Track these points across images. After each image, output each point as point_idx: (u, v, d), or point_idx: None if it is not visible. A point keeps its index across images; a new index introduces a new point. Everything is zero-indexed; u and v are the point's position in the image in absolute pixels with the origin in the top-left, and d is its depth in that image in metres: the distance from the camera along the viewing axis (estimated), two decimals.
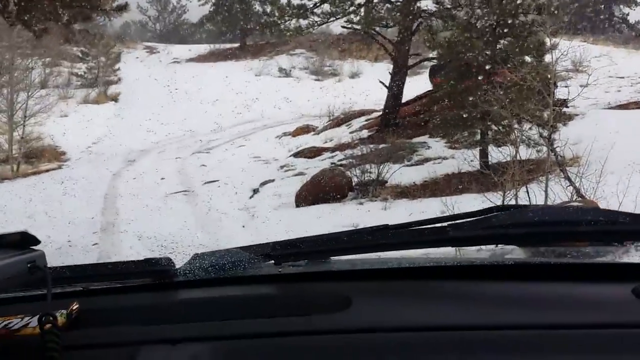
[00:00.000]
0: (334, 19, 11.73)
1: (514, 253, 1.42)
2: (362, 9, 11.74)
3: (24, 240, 1.05)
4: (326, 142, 14.42)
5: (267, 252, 1.28)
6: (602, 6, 41.23)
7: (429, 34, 8.47)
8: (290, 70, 28.49)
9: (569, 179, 7.06)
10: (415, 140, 11.97)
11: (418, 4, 11.17)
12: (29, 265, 1.01)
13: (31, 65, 20.33)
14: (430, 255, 1.38)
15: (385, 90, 13.73)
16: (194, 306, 1.16)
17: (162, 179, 13.14)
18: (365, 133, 13.74)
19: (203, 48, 35.30)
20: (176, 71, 29.69)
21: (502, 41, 9.08)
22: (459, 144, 10.78)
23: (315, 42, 31.96)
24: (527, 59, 9.40)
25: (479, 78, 9.37)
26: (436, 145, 11.60)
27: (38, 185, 12.34)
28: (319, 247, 1.29)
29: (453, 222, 1.20)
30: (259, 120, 21.27)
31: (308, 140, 15.52)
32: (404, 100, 13.57)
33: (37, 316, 1.00)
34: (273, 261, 1.26)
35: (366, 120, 15.43)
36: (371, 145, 11.54)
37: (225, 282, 1.26)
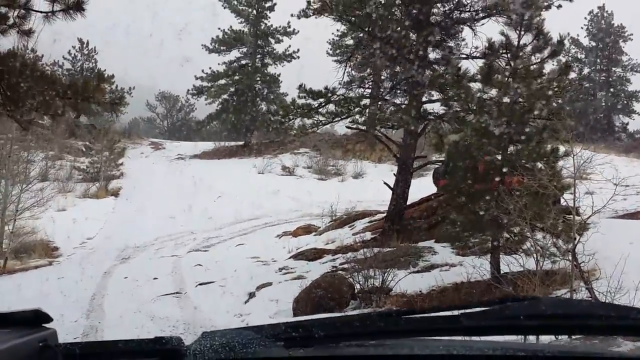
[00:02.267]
0: (339, 119, 11.54)
1: (527, 344, 1.44)
2: (367, 110, 11.61)
3: (37, 318, 1.05)
4: (328, 243, 13.86)
5: (278, 334, 1.27)
6: (602, 115, 42.08)
7: (437, 137, 8.14)
8: (293, 169, 28.44)
9: (595, 298, 6.48)
10: (421, 244, 11.42)
11: (424, 107, 11.01)
12: (40, 344, 1.01)
13: (31, 158, 20.25)
14: (441, 341, 1.35)
15: (389, 192, 13.37)
16: None
17: (155, 278, 12.50)
18: (368, 235, 13.22)
19: (208, 145, 35.62)
20: (180, 168, 29.78)
21: (513, 146, 8.74)
22: (467, 250, 10.21)
23: (319, 141, 32.21)
24: (539, 164, 9.05)
25: (489, 182, 8.95)
26: (443, 251, 11.02)
27: (23, 284, 11.70)
28: (330, 331, 1.29)
29: (465, 310, 1.21)
30: (259, 218, 20.84)
31: (309, 241, 14.99)
32: (408, 202, 13.14)
33: None
34: (283, 343, 1.26)
35: (369, 222, 14.95)
36: (375, 249, 10.96)
37: None
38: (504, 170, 8.67)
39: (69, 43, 35.82)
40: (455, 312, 1.25)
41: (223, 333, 1.31)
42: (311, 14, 11.88)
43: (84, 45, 36.10)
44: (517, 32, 8.40)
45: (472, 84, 9.15)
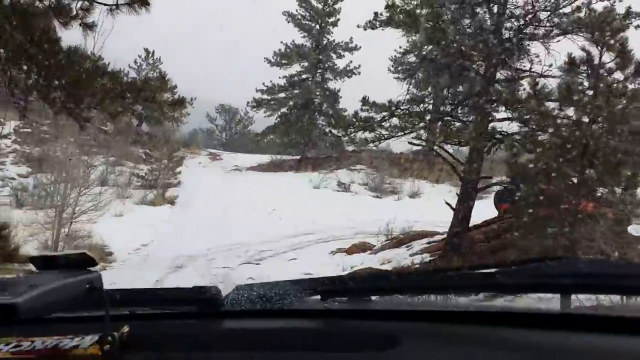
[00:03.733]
0: (402, 133, 11.09)
1: (561, 303, 1.32)
2: (432, 126, 11.14)
3: (83, 261, 1.07)
4: (383, 263, 13.34)
5: (315, 287, 1.30)
6: None
7: (511, 156, 7.60)
8: (349, 185, 27.99)
9: None
10: (586, 303, 10.68)
11: (492, 125, 10.45)
12: (87, 286, 1.04)
13: (92, 163, 20.56)
14: (477, 299, 1.35)
15: (448, 213, 12.81)
16: (239, 336, 1.18)
17: None
18: (427, 257, 12.64)
19: (265, 158, 35.65)
20: (236, 179, 29.82)
21: (589, 170, 8.10)
22: None
23: (376, 158, 31.75)
24: (618, 190, 8.36)
25: (561, 206, 8.31)
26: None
27: None
28: (367, 285, 1.34)
29: (502, 268, 1.24)
30: (313, 234, 20.45)
31: (364, 260, 14.49)
32: (470, 224, 12.53)
33: (90, 337, 1.07)
34: (319, 296, 1.30)
35: (428, 243, 14.35)
36: None
37: (271, 314, 1.27)
38: (580, 194, 8.04)
39: (134, 54, 36.72)
40: (492, 270, 1.24)
41: (260, 285, 1.33)
42: (378, 26, 11.54)
43: (149, 55, 36.84)
44: (599, 48, 7.81)
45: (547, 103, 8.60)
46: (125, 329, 1.12)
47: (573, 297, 1.35)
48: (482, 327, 1.15)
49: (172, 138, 30.93)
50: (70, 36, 6.03)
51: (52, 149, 20.07)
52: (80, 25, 5.28)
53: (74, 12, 5.18)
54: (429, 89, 16.26)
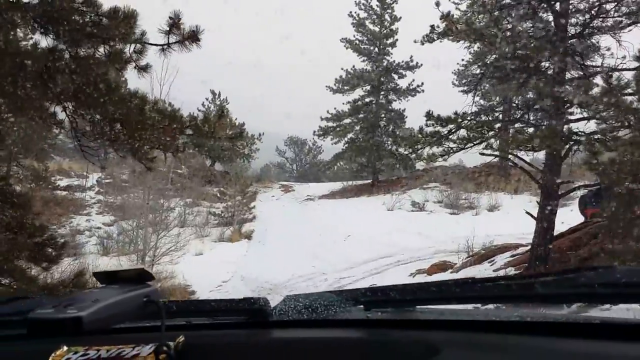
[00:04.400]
0: (472, 144, 10.69)
1: (599, 312, 1.46)
2: (503, 133, 10.70)
3: (141, 276, 1.20)
4: None
5: (358, 297, 1.36)
6: None
7: (592, 155, 7.12)
8: (423, 204, 27.44)
9: None
10: (628, 312, 10.05)
11: (569, 125, 9.91)
12: (144, 299, 1.15)
13: (170, 206, 21.13)
14: (515, 308, 1.35)
15: (531, 224, 12.19)
16: (287, 345, 1.23)
17: None
18: (511, 271, 12.05)
19: (336, 185, 35.65)
20: (309, 208, 29.91)
21: None
22: None
23: (448, 175, 31.11)
24: None
25: None
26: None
27: None
28: (407, 295, 1.34)
29: (540, 278, 1.22)
30: (391, 256, 20.07)
31: (445, 279, 14.02)
32: (555, 232, 11.87)
33: (149, 346, 1.14)
34: (362, 306, 1.35)
35: (512, 256, 13.71)
36: None
37: (317, 324, 1.32)
38: None
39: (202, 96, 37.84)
40: (531, 281, 1.25)
41: (306, 296, 1.38)
42: (435, 38, 11.29)
43: (216, 96, 37.87)
44: None
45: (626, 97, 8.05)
46: (181, 338, 1.19)
47: (613, 306, 1.38)
48: (523, 336, 1.16)
49: (244, 174, 31.46)
50: (143, 85, 6.16)
51: (132, 196, 20.78)
52: (135, 68, 5.37)
53: (128, 56, 5.28)
54: (496, 98, 15.77)
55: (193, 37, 5.07)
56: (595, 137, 8.38)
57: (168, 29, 5.03)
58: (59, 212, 27.17)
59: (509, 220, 22.45)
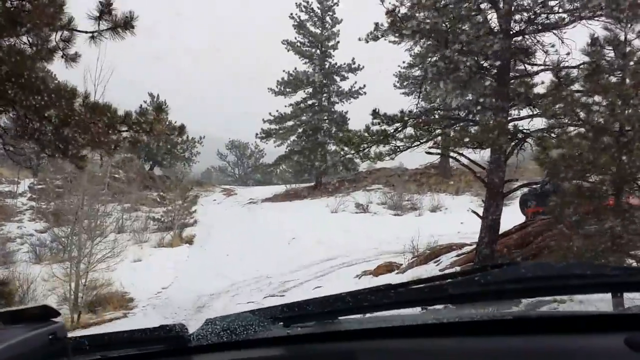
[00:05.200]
0: (419, 143, 10.56)
1: (509, 308, 1.43)
2: (448, 131, 10.62)
3: (46, 313, 1.14)
4: None
5: (276, 315, 1.36)
6: None
7: (542, 150, 7.05)
8: (367, 206, 27.41)
9: None
10: (535, 306, 10.06)
11: (517, 123, 9.90)
12: (50, 337, 1.09)
13: (107, 211, 20.30)
14: (431, 311, 1.38)
15: (472, 224, 12.23)
16: None
17: None
18: (458, 270, 12.01)
19: (279, 188, 35.29)
20: (252, 212, 29.45)
21: (627, 158, 7.48)
22: None
23: (391, 176, 31.26)
24: None
25: (601, 201, 7.70)
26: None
27: None
28: (325, 308, 1.36)
29: (450, 280, 1.32)
30: (336, 258, 19.88)
31: (392, 280, 13.85)
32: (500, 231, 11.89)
33: None
34: (282, 323, 1.35)
35: (457, 256, 13.71)
36: None
37: (237, 346, 1.30)
38: (621, 186, 7.43)
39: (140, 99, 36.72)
40: (442, 282, 1.32)
41: (224, 318, 1.38)
42: (380, 36, 11.13)
43: (154, 99, 36.84)
44: (622, 25, 7.28)
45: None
46: None
47: (522, 301, 1.47)
48: (438, 339, 1.18)
49: (184, 178, 30.71)
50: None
51: (66, 202, 19.85)
52: (62, 57, 4.90)
53: (54, 44, 4.80)
54: (438, 100, 15.79)
55: (126, 24, 4.65)
56: (546, 132, 8.34)
57: (98, 14, 4.58)
58: None
59: (451, 221, 22.68)
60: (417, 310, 1.38)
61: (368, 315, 1.38)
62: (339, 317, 1.38)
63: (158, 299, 17.07)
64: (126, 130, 5.29)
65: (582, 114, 6.97)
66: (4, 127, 5.70)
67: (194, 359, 1.30)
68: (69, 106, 5.03)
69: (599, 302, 1.40)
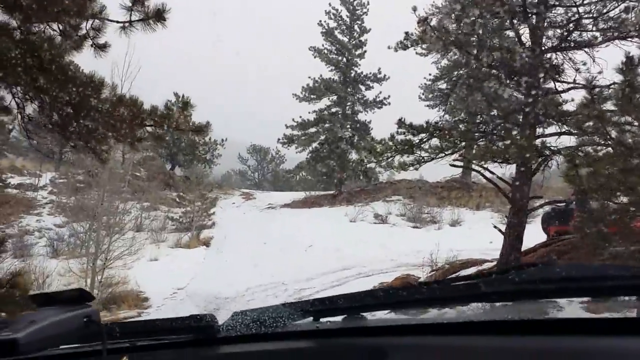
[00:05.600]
0: (444, 154, 10.41)
1: (542, 308, 1.42)
2: (477, 144, 10.45)
3: (81, 297, 1.14)
4: None
5: (306, 308, 1.36)
6: None
7: (572, 167, 6.87)
8: (386, 217, 27.22)
9: None
10: (569, 307, 9.80)
11: (545, 140, 9.71)
12: (85, 319, 1.09)
13: (126, 209, 20.40)
14: (463, 309, 1.37)
15: (493, 239, 11.99)
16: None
17: None
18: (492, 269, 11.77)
19: (299, 195, 35.22)
20: (271, 217, 29.40)
21: None
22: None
23: (411, 188, 31.03)
24: None
25: (629, 223, 7.48)
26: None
27: None
28: (355, 302, 1.35)
29: (484, 278, 1.32)
30: (352, 268, 19.72)
31: None
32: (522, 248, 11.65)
33: None
34: (312, 317, 1.35)
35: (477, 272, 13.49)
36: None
37: (265, 338, 1.30)
38: None
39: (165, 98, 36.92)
40: (475, 281, 1.30)
41: (254, 310, 1.38)
42: (409, 45, 11.03)
43: (179, 99, 37.05)
44: None
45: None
46: (125, 359, 1.15)
47: (554, 301, 1.40)
48: (469, 337, 1.16)
49: (204, 180, 30.78)
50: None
51: (87, 197, 19.98)
52: (92, 46, 4.86)
53: (84, 32, 4.76)
54: (462, 114, 15.63)
55: (158, 15, 4.60)
56: (575, 150, 8.16)
57: (131, 4, 4.54)
58: (8, 211, 26.01)
59: (471, 236, 22.40)
60: (448, 308, 1.37)
61: (398, 311, 1.36)
62: (369, 313, 1.37)
63: (173, 300, 17.05)
64: (151, 125, 5.23)
65: (613, 133, 6.78)
66: (29, 117, 5.67)
67: (222, 349, 1.29)
68: (96, 97, 4.99)
69: (636, 305, 1.38)
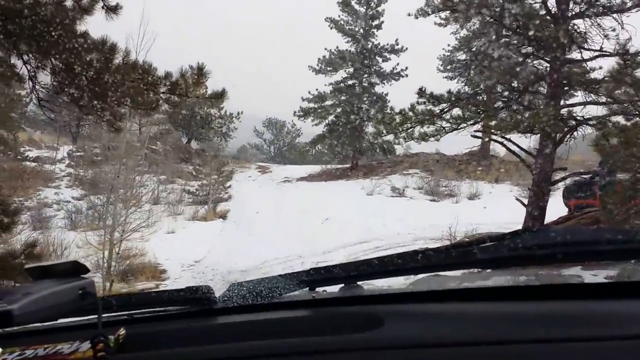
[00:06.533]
0: (466, 125, 10.12)
1: (537, 273, 1.46)
2: (497, 114, 10.15)
3: (75, 269, 1.12)
4: None
5: (302, 278, 1.35)
6: None
7: (602, 137, 6.58)
8: (403, 190, 26.97)
9: None
10: (565, 272, 9.64)
11: (571, 109, 9.39)
12: (80, 291, 1.08)
13: (143, 182, 20.39)
14: (458, 276, 1.39)
15: (512, 213, 11.73)
16: (231, 330, 1.22)
17: None
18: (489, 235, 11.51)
19: (315, 168, 35.04)
20: (287, 190, 29.29)
21: None
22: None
23: (429, 161, 30.71)
24: None
25: None
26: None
27: None
28: (351, 271, 1.35)
29: (479, 245, 1.25)
30: (370, 242, 19.57)
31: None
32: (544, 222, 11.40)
33: (87, 341, 1.12)
34: (307, 286, 1.36)
35: None
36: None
37: (262, 308, 1.31)
38: None
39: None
40: (471, 248, 1.28)
41: (250, 282, 1.38)
42: (430, 12, 10.68)
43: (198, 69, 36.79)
44: None
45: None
46: (122, 331, 1.15)
47: (549, 266, 1.46)
48: (463, 303, 1.19)
49: (220, 153, 30.69)
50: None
51: (103, 170, 19.99)
52: (103, 8, 4.67)
53: None
54: (482, 85, 15.25)
55: None
56: (606, 118, 7.85)
57: None
58: (27, 184, 26.16)
59: (490, 209, 22.11)
60: (444, 274, 1.36)
61: (394, 279, 1.35)
62: (365, 281, 1.38)
63: (190, 272, 17.06)
64: (165, 92, 5.05)
65: None
66: (43, 86, 5.53)
67: (219, 320, 1.30)
68: (108, 61, 4.81)
69: (630, 269, 1.41)
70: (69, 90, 5.14)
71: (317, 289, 1.35)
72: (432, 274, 1.37)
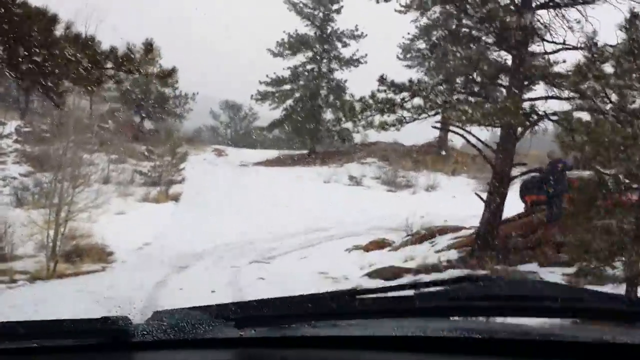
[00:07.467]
0: (427, 115, 9.92)
1: (482, 326, 1.42)
2: (461, 106, 9.99)
3: None
4: (406, 260, 12.20)
5: (228, 315, 1.29)
6: None
7: (567, 132, 6.45)
8: (361, 179, 26.85)
9: None
10: (522, 268, 9.61)
11: (533, 103, 9.28)
12: None
13: (94, 161, 19.71)
14: (395, 321, 1.35)
15: (469, 206, 11.71)
16: None
17: (213, 292, 11.23)
18: (454, 254, 11.47)
19: (272, 153, 34.61)
20: (243, 175, 28.85)
21: None
22: (582, 278, 8.34)
23: (387, 151, 30.68)
24: None
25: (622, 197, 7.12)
26: (550, 278, 9.18)
27: (67, 292, 10.71)
28: (281, 311, 1.31)
29: (420, 291, 1.27)
30: (325, 230, 19.38)
31: (383, 258, 13.36)
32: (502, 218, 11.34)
33: None
34: (234, 323, 1.26)
35: (454, 239, 13.13)
36: (466, 270, 9.33)
37: (185, 345, 1.23)
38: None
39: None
40: (410, 292, 1.28)
41: (172, 313, 1.30)
42: None
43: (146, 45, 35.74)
44: None
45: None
46: None
47: (493, 319, 1.45)
48: (397, 353, 1.15)
49: (174, 134, 29.96)
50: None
51: (52, 147, 19.20)
52: None
53: None
54: (441, 75, 15.10)
55: None
56: (554, 119, 7.74)
57: None
58: None
59: (446, 201, 22.19)
60: (380, 321, 1.33)
61: (328, 322, 1.30)
62: (296, 323, 1.31)
63: (138, 255, 16.54)
64: (111, 68, 4.62)
65: (613, 96, 6.35)
66: None
67: (135, 356, 1.22)
68: (46, 33, 4.36)
69: (572, 327, 1.40)
70: (8, 62, 4.68)
71: (245, 327, 1.26)
72: (368, 319, 1.32)
